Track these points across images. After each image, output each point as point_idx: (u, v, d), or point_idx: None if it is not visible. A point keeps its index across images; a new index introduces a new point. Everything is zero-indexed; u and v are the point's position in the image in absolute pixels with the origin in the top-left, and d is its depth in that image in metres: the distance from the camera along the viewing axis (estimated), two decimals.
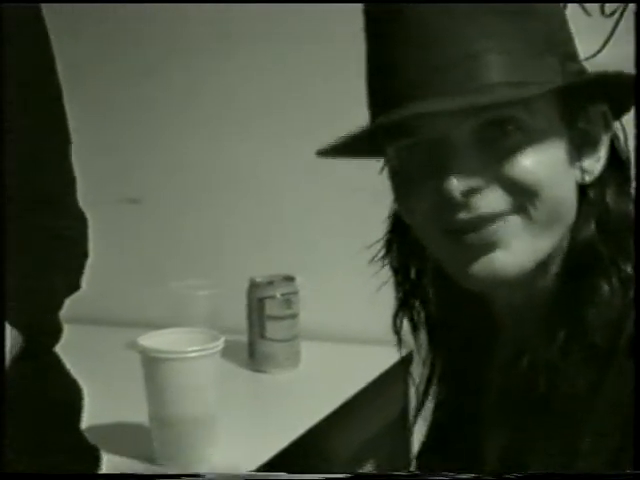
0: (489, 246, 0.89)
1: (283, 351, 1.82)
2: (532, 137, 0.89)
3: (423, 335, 1.06)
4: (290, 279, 1.83)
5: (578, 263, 0.92)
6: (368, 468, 2.00)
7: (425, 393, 1.08)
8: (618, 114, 0.96)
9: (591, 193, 0.93)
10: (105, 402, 1.57)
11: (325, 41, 1.89)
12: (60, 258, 1.30)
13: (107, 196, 2.11)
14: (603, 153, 0.94)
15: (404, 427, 1.94)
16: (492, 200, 0.89)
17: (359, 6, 0.94)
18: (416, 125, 0.90)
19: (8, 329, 1.20)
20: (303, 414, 1.59)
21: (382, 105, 0.91)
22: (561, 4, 0.97)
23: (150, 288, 2.06)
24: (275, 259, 1.94)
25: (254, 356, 1.83)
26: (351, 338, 1.93)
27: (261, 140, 2.01)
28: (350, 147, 0.93)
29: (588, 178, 0.93)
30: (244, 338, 1.84)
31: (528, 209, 0.89)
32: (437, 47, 0.88)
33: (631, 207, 0.93)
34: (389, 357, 1.88)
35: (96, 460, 1.35)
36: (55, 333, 1.30)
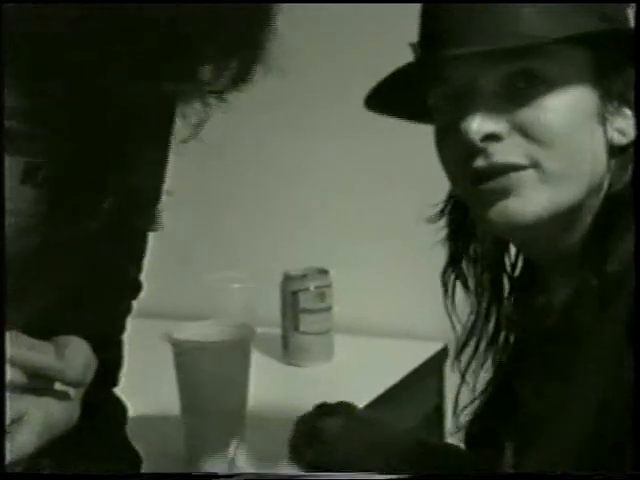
0: (504, 193, 0.92)
1: (317, 344, 1.81)
2: (555, 89, 0.90)
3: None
4: (324, 272, 1.83)
5: (608, 219, 0.92)
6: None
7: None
8: None
9: (627, 154, 0.93)
10: (138, 393, 1.58)
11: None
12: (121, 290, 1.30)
13: None
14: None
15: (439, 422, 1.93)
16: (509, 149, 0.91)
17: None
18: (451, 71, 0.93)
19: (90, 353, 1.15)
20: None
21: (424, 50, 0.96)
22: None
23: (184, 280, 2.06)
24: (309, 252, 1.94)
25: (288, 349, 1.83)
26: (385, 332, 1.92)
27: (297, 133, 2.00)
28: (395, 95, 0.97)
29: (625, 140, 0.94)
30: (278, 331, 1.83)
31: (542, 161, 0.91)
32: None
33: None
34: (423, 351, 1.90)
35: (137, 462, 1.34)
36: (118, 359, 1.29)
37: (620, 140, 0.94)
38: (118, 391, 1.32)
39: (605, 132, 0.93)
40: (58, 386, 1.00)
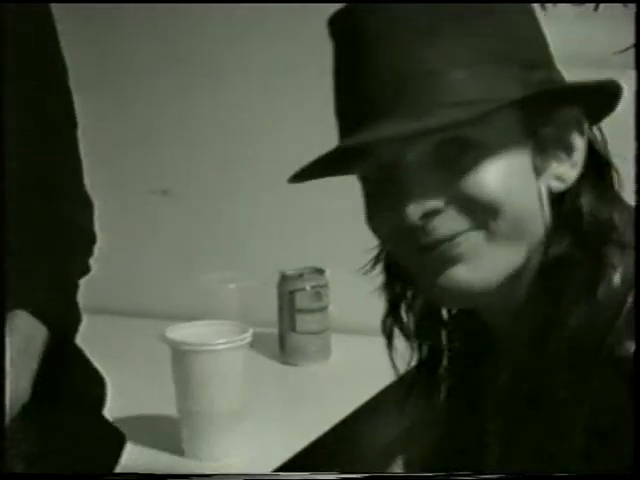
0: (451, 261, 0.89)
1: (313, 344, 1.81)
2: (488, 154, 0.87)
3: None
4: (320, 272, 1.83)
5: (550, 280, 0.89)
6: (398, 463, 1.99)
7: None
8: (595, 118, 0.93)
9: (567, 202, 0.90)
10: (134, 394, 1.58)
11: None
12: (71, 243, 1.30)
13: (137, 188, 2.12)
14: (579, 158, 0.91)
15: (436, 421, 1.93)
16: (451, 221, 0.88)
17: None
18: (374, 147, 0.89)
19: (30, 321, 1.20)
20: (333, 407, 1.59)
21: (343, 127, 0.92)
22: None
23: (180, 280, 2.06)
24: (305, 252, 1.94)
25: (284, 349, 1.83)
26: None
27: (292, 132, 2.00)
28: (322, 169, 0.94)
29: (563, 185, 0.91)
30: (274, 331, 1.83)
31: (489, 225, 0.88)
32: (391, 66, 0.87)
33: (615, 214, 0.89)
34: None
35: (120, 444, 1.35)
36: (75, 322, 1.30)
37: (559, 186, 0.90)
38: (102, 372, 1.33)
39: (547, 182, 0.90)
40: None
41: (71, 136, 1.32)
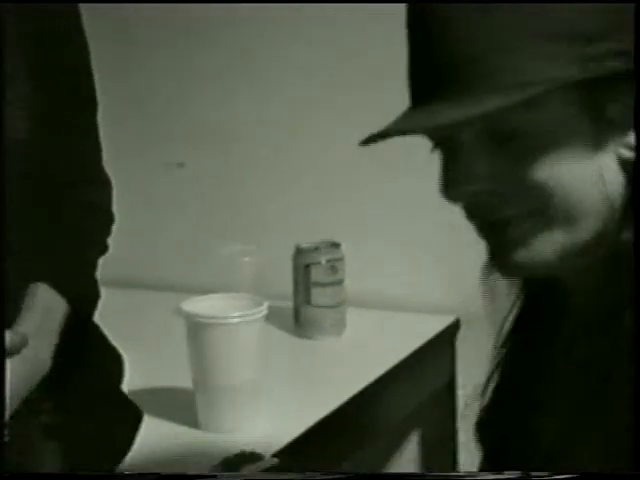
0: (511, 244, 0.89)
1: (328, 317, 1.81)
2: (543, 138, 0.87)
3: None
4: (336, 245, 1.82)
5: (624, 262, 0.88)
6: (413, 438, 2.00)
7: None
8: None
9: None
10: (150, 367, 1.58)
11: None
12: (90, 224, 1.31)
13: (153, 161, 2.12)
14: None
15: (450, 396, 1.93)
16: (508, 203, 0.89)
17: None
18: (432, 128, 0.90)
19: (51, 294, 1.21)
20: (348, 381, 1.59)
21: (411, 101, 0.92)
22: None
23: (196, 254, 2.06)
24: (321, 225, 1.94)
25: (299, 322, 1.83)
26: (397, 305, 1.92)
27: (307, 106, 1.99)
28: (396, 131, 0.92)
29: (634, 153, 0.89)
30: (289, 304, 1.83)
31: (544, 210, 0.88)
32: (446, 48, 0.87)
33: None
34: (435, 325, 1.90)
35: (138, 419, 1.36)
36: (94, 300, 1.30)
37: (629, 155, 0.89)
38: (120, 350, 1.33)
39: (608, 156, 0.89)
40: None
41: (91, 116, 1.33)
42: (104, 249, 1.34)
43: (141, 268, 2.11)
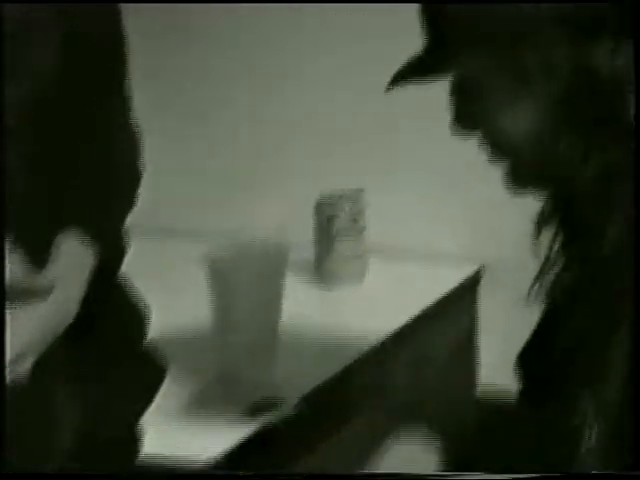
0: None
1: (350, 267, 1.81)
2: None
3: None
4: (358, 195, 1.82)
5: None
6: (432, 393, 2.00)
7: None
8: None
9: None
10: (174, 314, 1.58)
11: None
12: (119, 176, 1.31)
13: (178, 108, 2.11)
14: None
15: (469, 350, 1.93)
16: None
17: None
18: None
19: (78, 246, 1.22)
20: (368, 330, 1.59)
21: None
22: None
23: (218, 201, 2.06)
24: (344, 174, 1.93)
25: (321, 271, 1.83)
26: (418, 255, 1.91)
27: (332, 50, 1.98)
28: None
29: None
30: (311, 253, 1.83)
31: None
32: None
33: None
34: (458, 274, 1.89)
35: (162, 375, 1.36)
36: (121, 253, 1.31)
37: None
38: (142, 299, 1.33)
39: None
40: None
41: (121, 71, 1.32)
42: (133, 203, 1.34)
43: (167, 215, 2.10)
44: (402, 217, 1.94)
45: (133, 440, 1.23)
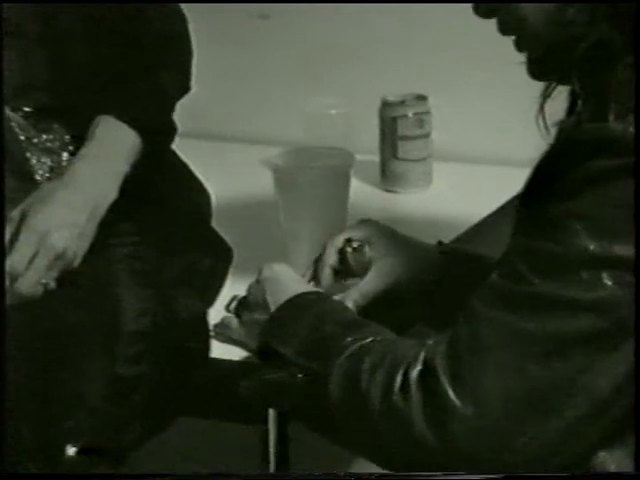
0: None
1: (415, 171, 1.81)
2: None
3: None
4: (423, 98, 1.81)
5: None
6: None
7: None
8: None
9: None
10: (237, 213, 1.60)
11: None
12: (167, 57, 1.30)
13: (236, 12, 2.10)
14: None
15: None
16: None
17: None
18: None
19: (117, 125, 1.22)
20: (434, 234, 1.59)
21: None
22: None
23: (282, 106, 2.06)
24: (408, 78, 1.92)
25: (386, 175, 1.83)
26: (483, 159, 1.90)
27: None
28: None
29: None
30: (376, 158, 1.83)
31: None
32: None
33: None
34: (522, 179, 1.88)
35: (229, 255, 1.37)
36: (170, 132, 1.30)
37: None
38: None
39: None
40: None
41: None
42: (185, 87, 1.33)
43: (230, 121, 2.11)
44: (467, 122, 1.93)
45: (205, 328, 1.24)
